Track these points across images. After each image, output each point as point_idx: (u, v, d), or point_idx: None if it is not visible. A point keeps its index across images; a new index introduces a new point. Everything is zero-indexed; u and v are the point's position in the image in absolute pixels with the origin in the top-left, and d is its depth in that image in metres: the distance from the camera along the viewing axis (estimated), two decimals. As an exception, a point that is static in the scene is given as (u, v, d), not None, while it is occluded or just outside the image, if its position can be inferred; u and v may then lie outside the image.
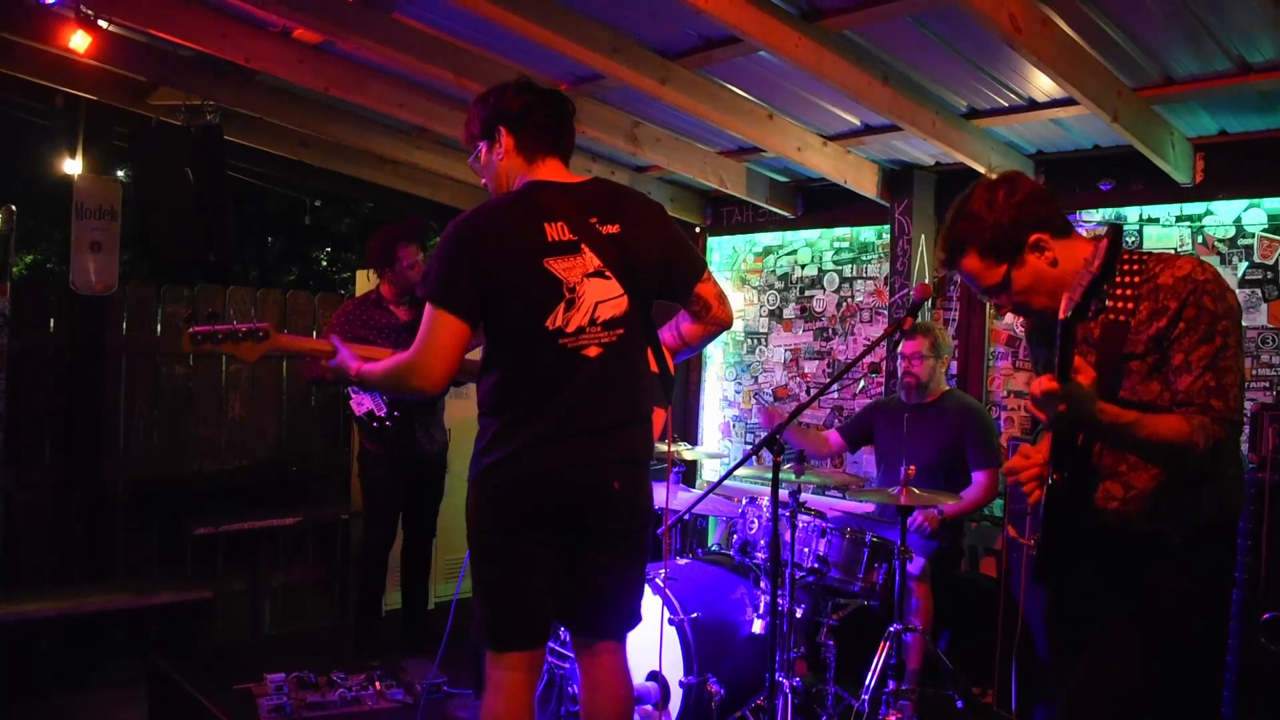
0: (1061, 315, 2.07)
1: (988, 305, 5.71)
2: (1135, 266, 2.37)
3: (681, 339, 2.98)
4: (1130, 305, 2.33)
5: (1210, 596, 2.48)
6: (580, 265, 2.63)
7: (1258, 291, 4.78)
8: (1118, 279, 2.34)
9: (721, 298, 2.92)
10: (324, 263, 13.96)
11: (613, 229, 2.68)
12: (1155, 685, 2.43)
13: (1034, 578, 2.56)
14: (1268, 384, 4.72)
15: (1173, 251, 5.02)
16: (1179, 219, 5.07)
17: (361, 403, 4.94)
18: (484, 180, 2.85)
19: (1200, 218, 5.00)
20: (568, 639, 4.07)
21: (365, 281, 6.64)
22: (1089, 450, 2.40)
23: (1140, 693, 2.44)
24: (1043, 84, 4.35)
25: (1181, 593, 2.42)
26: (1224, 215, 4.92)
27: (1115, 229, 2.03)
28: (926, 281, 5.72)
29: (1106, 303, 2.34)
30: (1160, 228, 5.12)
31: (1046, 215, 2.42)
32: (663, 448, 3.24)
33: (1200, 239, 4.98)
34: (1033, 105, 4.66)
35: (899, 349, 4.96)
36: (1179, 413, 2.29)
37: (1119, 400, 2.33)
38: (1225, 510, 2.45)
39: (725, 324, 2.97)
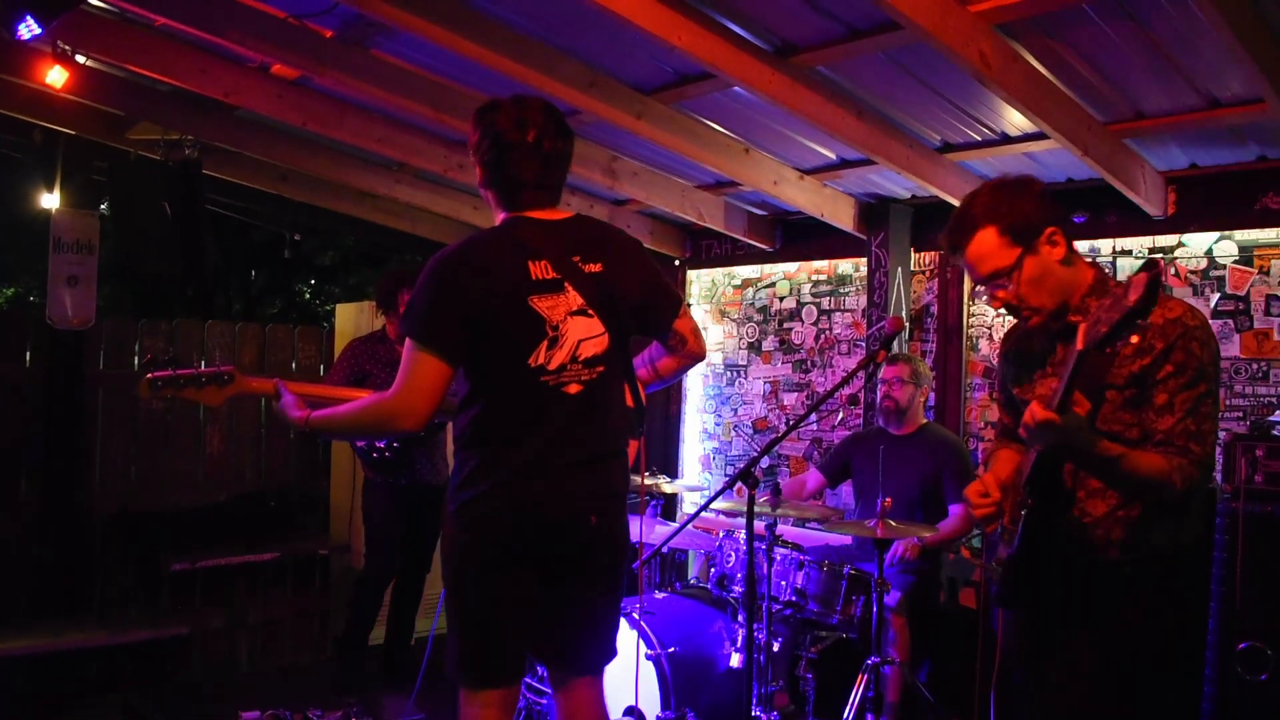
0: (1080, 345, 2.07)
1: (964, 339, 5.74)
2: None
3: (655, 372, 3.00)
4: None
5: (1163, 629, 2.48)
6: (564, 304, 2.62)
7: (1230, 322, 4.82)
8: None
9: (697, 331, 2.95)
10: (308, 295, 13.95)
11: (595, 268, 2.68)
12: (1112, 715, 2.44)
13: (996, 602, 2.57)
14: (1241, 414, 4.76)
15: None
16: (1151, 251, 5.12)
17: None
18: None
19: (1172, 250, 5.05)
20: (544, 674, 4.06)
21: (345, 315, 6.65)
22: (1059, 477, 2.42)
23: None
24: (1015, 119, 4.40)
25: (1134, 624, 2.44)
26: (1196, 247, 4.97)
27: (1156, 265, 2.00)
28: (902, 315, 5.78)
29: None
30: (1133, 260, 5.16)
31: (1059, 216, 2.48)
32: (637, 479, 3.23)
33: (1173, 271, 5.03)
34: (1005, 139, 4.71)
35: (879, 375, 5.00)
36: (1158, 451, 2.32)
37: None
38: (1180, 544, 2.47)
39: (700, 357, 2.99)
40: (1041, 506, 2.38)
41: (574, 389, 2.64)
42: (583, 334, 2.64)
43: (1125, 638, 2.44)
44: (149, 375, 2.94)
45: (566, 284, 2.63)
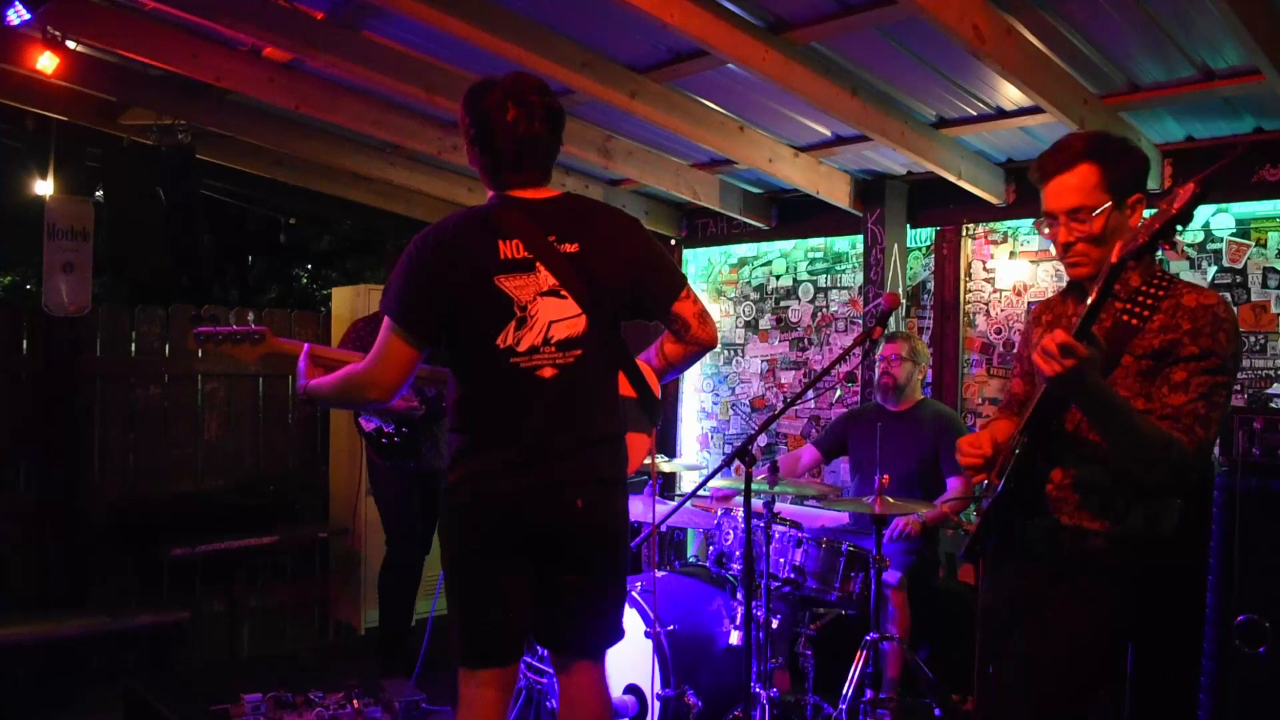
0: (1115, 258, 2.06)
1: (960, 315, 5.74)
2: (1163, 283, 2.37)
3: (665, 360, 2.92)
4: (1146, 313, 2.31)
5: (1115, 611, 2.45)
6: (533, 284, 2.59)
7: (1227, 295, 4.81)
8: (1144, 288, 2.30)
9: (703, 316, 2.85)
10: (305, 280, 13.93)
11: (571, 248, 2.63)
12: (1051, 689, 2.45)
13: (964, 555, 2.57)
14: (1240, 387, 4.75)
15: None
16: (1148, 224, 5.10)
17: (370, 419, 4.89)
18: None
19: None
20: (545, 654, 4.07)
21: (342, 299, 6.64)
22: (1060, 427, 2.41)
23: (1035, 698, 2.47)
24: (1010, 93, 4.38)
25: (1095, 603, 2.43)
26: (1193, 220, 4.94)
27: (1206, 181, 1.99)
28: (899, 292, 5.78)
29: (1128, 305, 2.32)
30: (1130, 234, 5.14)
31: (1146, 190, 2.49)
32: (645, 462, 3.21)
33: (1170, 244, 5.00)
34: (1001, 114, 4.69)
35: (877, 352, 5.01)
36: (1163, 423, 2.31)
37: None
38: (1155, 531, 2.45)
39: (708, 344, 2.89)
40: (1030, 459, 2.37)
41: (548, 373, 2.61)
42: (554, 315, 2.61)
43: (1087, 614, 2.43)
44: (196, 329, 3.31)
45: (538, 264, 2.60)
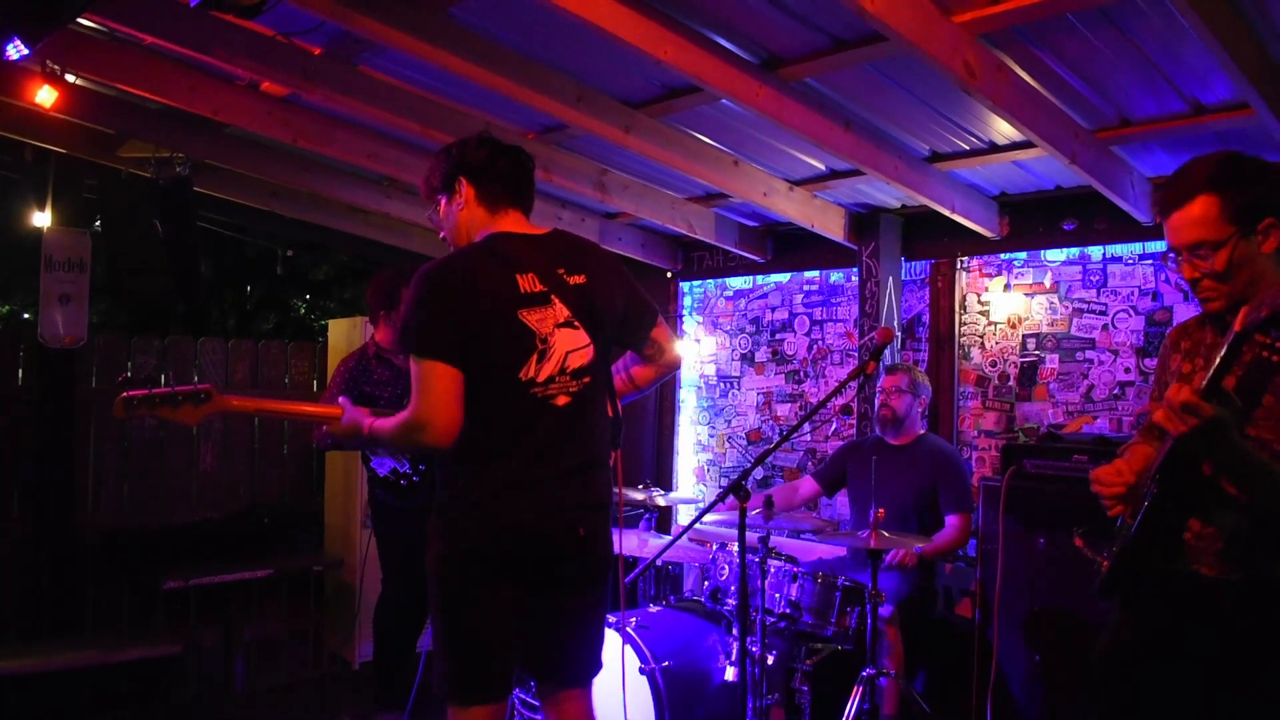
0: (1238, 327, 1.98)
1: (955, 348, 5.74)
2: None
3: (632, 382, 3.03)
4: None
5: (1258, 660, 2.30)
6: (551, 316, 2.65)
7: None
8: None
9: (672, 339, 3.02)
10: (303, 310, 13.94)
11: (579, 279, 2.72)
12: None
13: (1099, 592, 2.47)
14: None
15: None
16: (1142, 257, 5.12)
17: (384, 463, 4.69)
18: (442, 234, 2.88)
19: (1164, 256, 5.03)
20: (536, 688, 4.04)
21: (338, 331, 6.64)
22: (1195, 474, 2.28)
23: None
24: (1002, 127, 4.41)
25: (1249, 651, 2.29)
26: None
27: None
28: (893, 325, 5.79)
29: (1267, 340, 2.13)
30: (1124, 266, 5.17)
31: None
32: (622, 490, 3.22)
33: (1164, 277, 5.03)
34: (993, 148, 4.72)
35: (878, 384, 5.01)
36: None
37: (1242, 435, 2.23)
38: None
39: (675, 365, 3.07)
40: (1165, 502, 2.27)
41: (562, 401, 2.66)
42: (570, 345, 2.68)
43: (1240, 663, 2.30)
44: (124, 394, 2.88)
45: (553, 296, 2.67)
